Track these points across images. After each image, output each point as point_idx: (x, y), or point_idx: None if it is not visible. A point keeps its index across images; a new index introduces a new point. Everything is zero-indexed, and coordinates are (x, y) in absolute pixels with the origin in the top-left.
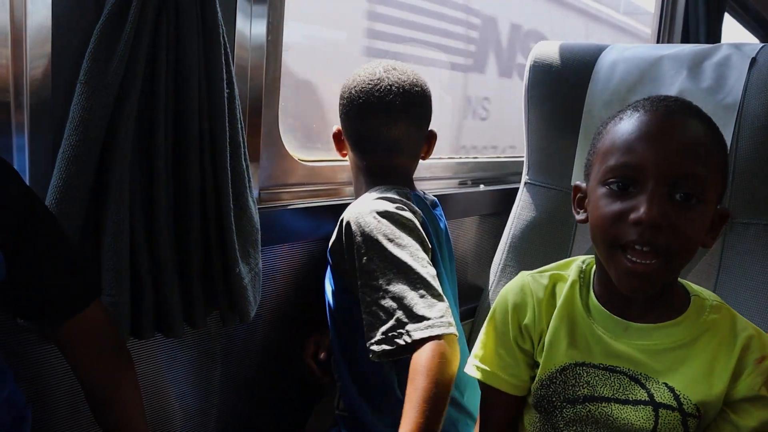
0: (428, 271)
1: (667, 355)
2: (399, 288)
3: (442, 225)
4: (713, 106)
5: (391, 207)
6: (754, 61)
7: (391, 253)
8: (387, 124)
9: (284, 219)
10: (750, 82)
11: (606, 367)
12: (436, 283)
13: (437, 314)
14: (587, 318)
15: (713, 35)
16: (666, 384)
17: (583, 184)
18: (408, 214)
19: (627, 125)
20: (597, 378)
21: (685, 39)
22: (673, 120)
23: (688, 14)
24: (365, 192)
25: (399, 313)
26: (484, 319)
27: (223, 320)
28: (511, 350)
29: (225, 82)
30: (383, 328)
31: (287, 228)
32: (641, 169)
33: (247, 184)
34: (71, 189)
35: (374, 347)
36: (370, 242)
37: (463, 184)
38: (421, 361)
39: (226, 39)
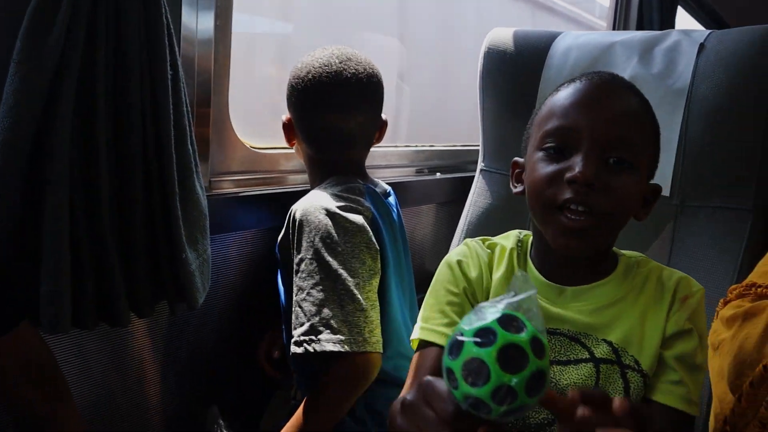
0: (357, 282)
1: (603, 312)
2: (322, 295)
3: (395, 215)
4: (664, 90)
5: (337, 207)
6: (702, 46)
7: (324, 258)
8: (344, 120)
9: (236, 207)
10: (698, 67)
11: (546, 330)
12: (364, 295)
13: (353, 329)
14: None
15: (667, 26)
16: (605, 340)
17: (521, 160)
18: (354, 216)
19: (563, 94)
20: None
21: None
22: (607, 88)
23: (642, 6)
24: (318, 184)
25: (315, 320)
26: None
27: (170, 308)
28: (458, 306)
29: (168, 64)
30: (299, 331)
31: (240, 216)
32: (576, 132)
33: (194, 169)
34: (6, 175)
35: (292, 347)
36: (309, 242)
37: (420, 172)
38: (329, 376)
39: (169, 19)
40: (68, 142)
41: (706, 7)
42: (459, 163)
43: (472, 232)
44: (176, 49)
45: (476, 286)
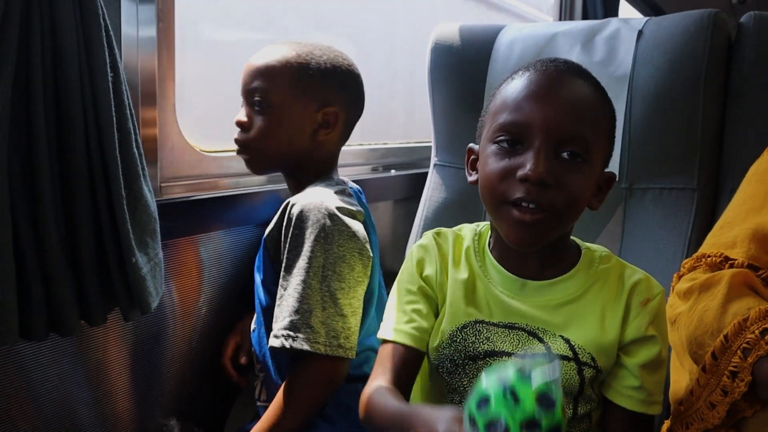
0: (342, 287)
1: (563, 309)
2: (306, 293)
3: (370, 214)
4: (606, 78)
5: (336, 209)
6: (640, 33)
7: (316, 257)
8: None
9: (188, 211)
10: (638, 54)
11: (505, 324)
12: (346, 301)
13: (330, 332)
14: (484, 278)
15: (610, 16)
16: (562, 336)
17: (476, 147)
18: (352, 222)
19: (516, 84)
20: (497, 335)
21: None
22: (561, 80)
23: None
24: (310, 183)
25: (296, 317)
26: None
27: (123, 314)
28: (416, 303)
29: (108, 65)
30: (279, 324)
31: (193, 220)
32: (529, 126)
33: (141, 173)
34: None
35: (270, 339)
36: (304, 239)
37: (374, 170)
38: (299, 375)
39: (107, 20)
40: (5, 149)
41: (648, 1)
42: (414, 160)
43: (428, 227)
44: (116, 51)
45: (430, 282)
